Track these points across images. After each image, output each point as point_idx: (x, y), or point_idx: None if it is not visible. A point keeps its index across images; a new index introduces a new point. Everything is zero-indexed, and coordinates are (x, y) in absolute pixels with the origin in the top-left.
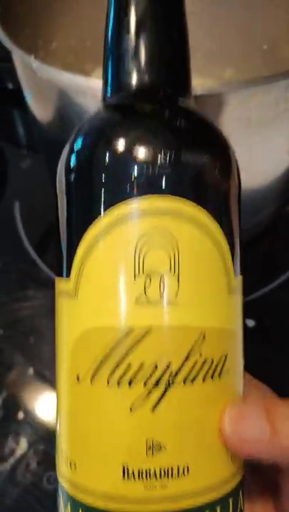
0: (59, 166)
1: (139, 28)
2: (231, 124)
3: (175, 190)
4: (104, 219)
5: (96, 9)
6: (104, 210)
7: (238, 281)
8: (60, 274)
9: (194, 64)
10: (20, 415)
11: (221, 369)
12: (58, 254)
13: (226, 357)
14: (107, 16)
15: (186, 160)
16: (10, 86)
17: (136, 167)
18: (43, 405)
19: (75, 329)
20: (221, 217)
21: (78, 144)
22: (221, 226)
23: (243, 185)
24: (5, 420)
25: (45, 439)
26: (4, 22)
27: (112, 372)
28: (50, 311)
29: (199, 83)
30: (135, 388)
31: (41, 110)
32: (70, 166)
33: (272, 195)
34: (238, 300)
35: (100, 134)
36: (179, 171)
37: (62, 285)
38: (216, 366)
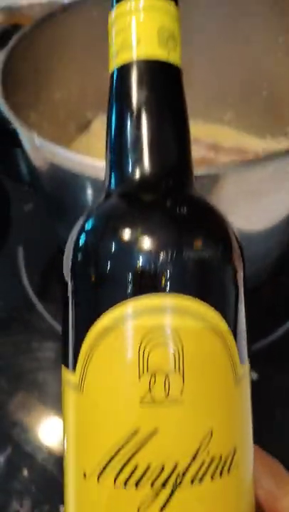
0: (65, 252)
1: (141, 123)
2: (231, 195)
3: (180, 287)
4: (108, 317)
5: (96, 58)
6: (107, 308)
7: (244, 368)
8: (65, 362)
9: (195, 107)
10: (25, 472)
11: (230, 464)
12: (63, 341)
13: (234, 451)
14: (108, 109)
15: (191, 257)
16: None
17: (140, 266)
18: (48, 462)
19: (80, 425)
20: (228, 309)
21: (80, 242)
22: (227, 318)
23: (244, 232)
24: (9, 477)
25: (50, 498)
26: (5, 84)
27: (119, 472)
28: (53, 364)
29: (200, 128)
30: (142, 490)
31: (42, 169)
32: (72, 263)
33: (275, 243)
34: (245, 388)
35: (103, 232)
36: (184, 268)
37: (68, 376)
38: (225, 462)
